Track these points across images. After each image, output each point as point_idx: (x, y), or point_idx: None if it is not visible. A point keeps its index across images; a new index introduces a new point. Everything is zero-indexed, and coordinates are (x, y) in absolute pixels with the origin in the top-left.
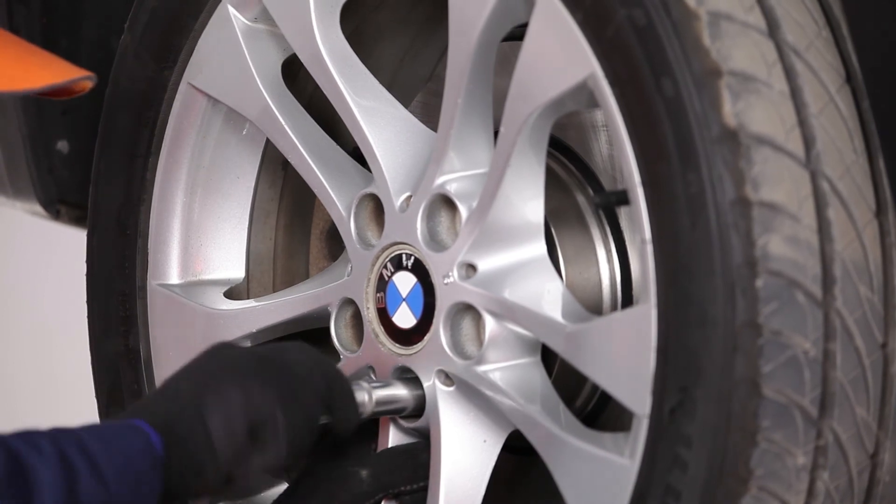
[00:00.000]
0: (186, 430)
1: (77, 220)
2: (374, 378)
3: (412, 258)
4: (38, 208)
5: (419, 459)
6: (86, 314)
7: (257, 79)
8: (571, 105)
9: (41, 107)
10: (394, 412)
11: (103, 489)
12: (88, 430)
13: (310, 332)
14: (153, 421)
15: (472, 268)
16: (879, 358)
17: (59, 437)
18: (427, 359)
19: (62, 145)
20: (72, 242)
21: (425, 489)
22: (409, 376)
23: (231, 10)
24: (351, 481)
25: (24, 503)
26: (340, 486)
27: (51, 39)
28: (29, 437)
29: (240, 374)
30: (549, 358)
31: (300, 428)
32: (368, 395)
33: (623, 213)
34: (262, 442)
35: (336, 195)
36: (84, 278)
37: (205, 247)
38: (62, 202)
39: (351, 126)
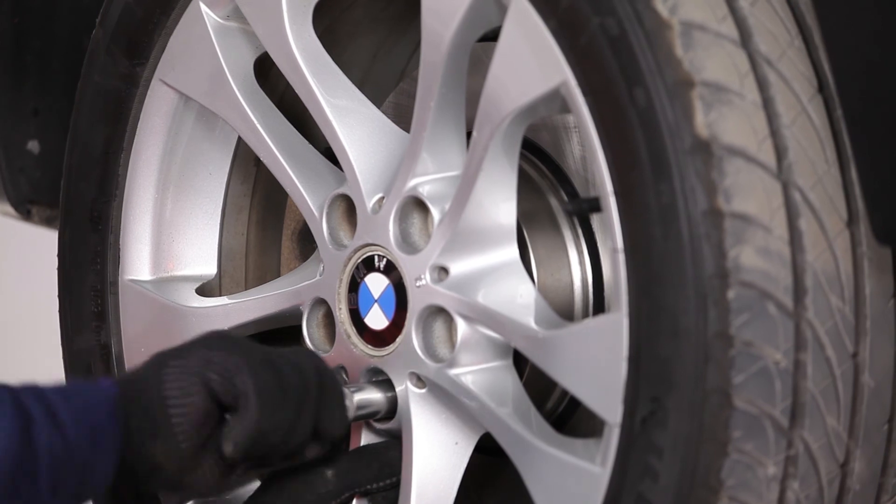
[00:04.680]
0: (142, 385)
1: (48, 221)
2: (346, 379)
3: (384, 260)
4: (9, 208)
5: (385, 457)
6: (56, 310)
7: (229, 76)
8: (544, 111)
9: (12, 107)
10: (368, 416)
11: (60, 436)
12: (48, 384)
13: (281, 331)
14: (117, 381)
15: (444, 271)
16: (850, 368)
17: (15, 387)
18: (399, 361)
19: (33, 145)
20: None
21: (396, 486)
22: (380, 378)
23: (203, 7)
24: (316, 481)
25: None
26: (306, 486)
27: (22, 40)
28: None
29: (214, 346)
30: (519, 360)
31: (278, 419)
32: (350, 402)
33: (595, 217)
34: (234, 413)
35: (308, 195)
36: (51, 275)
37: (177, 243)
38: (33, 202)
39: (323, 125)
